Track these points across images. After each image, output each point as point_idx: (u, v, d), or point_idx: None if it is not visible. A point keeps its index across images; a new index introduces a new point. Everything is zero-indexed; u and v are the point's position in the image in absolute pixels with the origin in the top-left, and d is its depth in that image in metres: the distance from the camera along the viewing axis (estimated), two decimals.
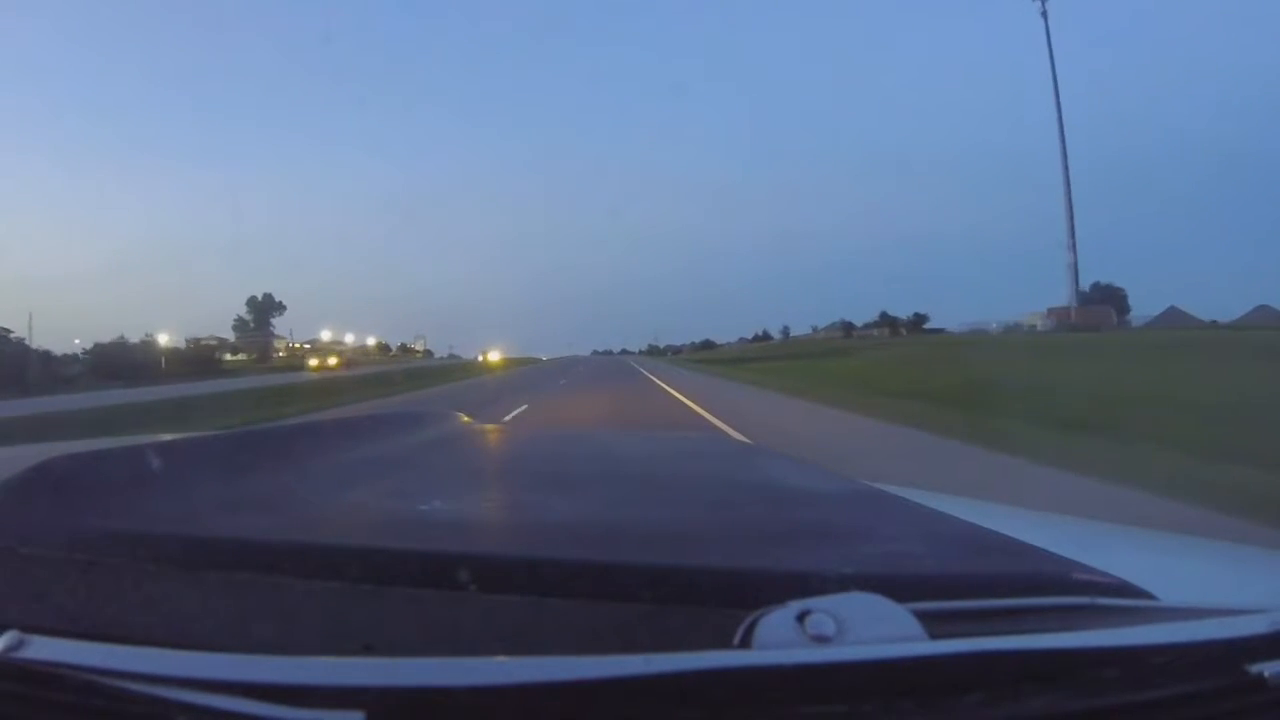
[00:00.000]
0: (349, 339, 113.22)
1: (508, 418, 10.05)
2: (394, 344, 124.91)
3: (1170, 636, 0.40)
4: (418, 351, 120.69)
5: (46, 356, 42.98)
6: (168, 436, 1.18)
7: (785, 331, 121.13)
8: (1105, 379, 11.88)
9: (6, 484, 0.61)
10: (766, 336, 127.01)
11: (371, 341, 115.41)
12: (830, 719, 0.35)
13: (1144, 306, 65.70)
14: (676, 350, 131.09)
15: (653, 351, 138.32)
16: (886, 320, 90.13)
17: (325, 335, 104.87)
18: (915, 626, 0.38)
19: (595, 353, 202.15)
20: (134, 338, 54.56)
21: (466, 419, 1.56)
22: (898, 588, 0.41)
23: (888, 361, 22.71)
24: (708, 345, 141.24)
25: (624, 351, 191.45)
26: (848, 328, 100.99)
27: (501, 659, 0.36)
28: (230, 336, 77.64)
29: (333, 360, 52.09)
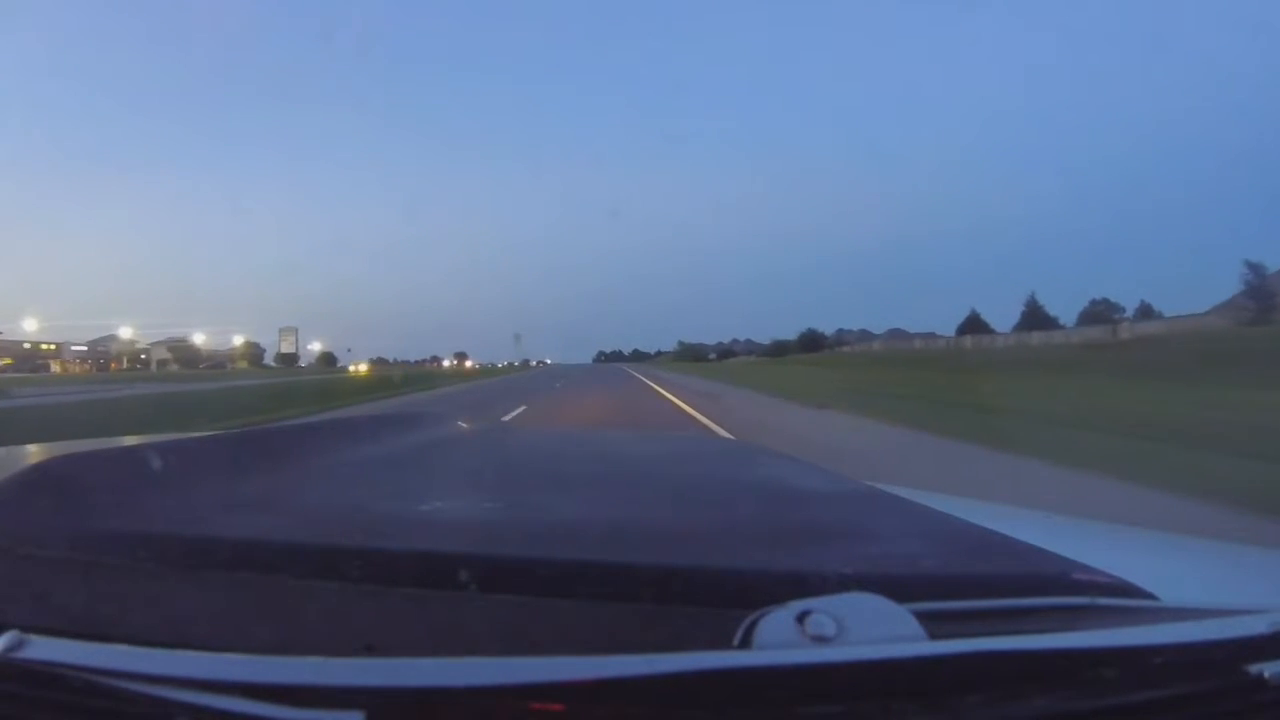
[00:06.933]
0: (124, 333, 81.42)
1: None
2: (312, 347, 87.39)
3: (1170, 636, 0.39)
4: (289, 356, 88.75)
5: None
6: (168, 436, 1.18)
7: (886, 332, 69.19)
8: None
9: (6, 484, 0.61)
10: (815, 338, 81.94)
11: (204, 339, 79.92)
12: (830, 719, 0.35)
13: None
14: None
15: (611, 358, 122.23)
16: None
17: (30, 325, 70.33)
18: (915, 627, 0.38)
19: (575, 361, 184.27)
20: None
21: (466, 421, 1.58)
22: (898, 588, 0.41)
23: None
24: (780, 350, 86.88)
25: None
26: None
27: (501, 659, 0.35)
28: None
29: None
